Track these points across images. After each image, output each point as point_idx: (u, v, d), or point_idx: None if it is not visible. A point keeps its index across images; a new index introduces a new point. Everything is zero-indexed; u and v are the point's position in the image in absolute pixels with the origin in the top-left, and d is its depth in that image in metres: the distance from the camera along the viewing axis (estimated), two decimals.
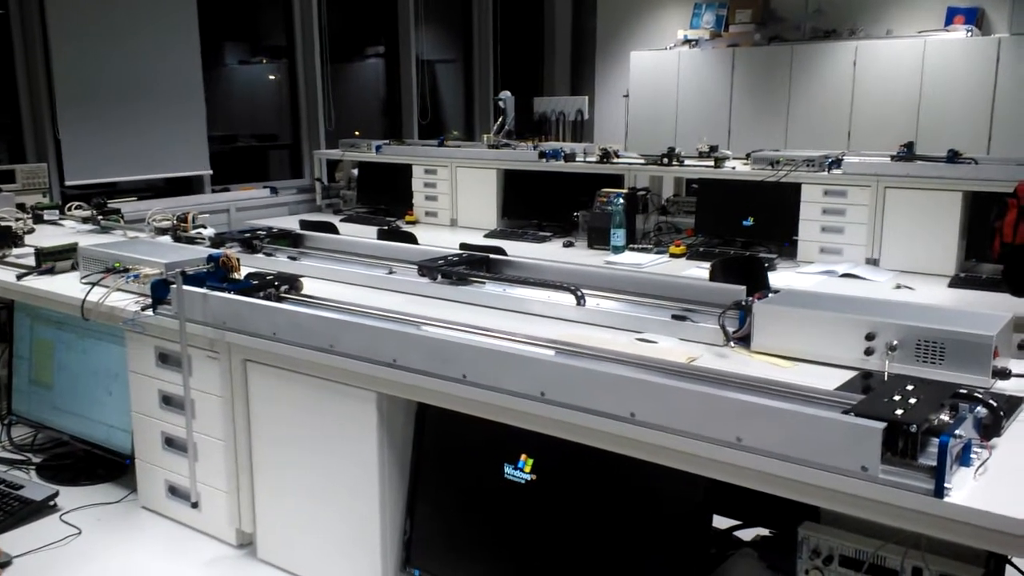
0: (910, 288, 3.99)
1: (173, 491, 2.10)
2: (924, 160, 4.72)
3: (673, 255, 4.77)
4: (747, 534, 1.71)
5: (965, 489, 1.10)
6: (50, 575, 1.88)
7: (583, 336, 1.75)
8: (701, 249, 4.83)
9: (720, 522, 1.66)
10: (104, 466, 2.33)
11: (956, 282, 4.07)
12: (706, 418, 1.26)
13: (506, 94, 6.53)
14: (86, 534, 2.04)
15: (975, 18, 7.54)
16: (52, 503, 2.16)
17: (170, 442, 2.08)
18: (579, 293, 2.00)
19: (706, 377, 1.47)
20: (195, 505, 2.02)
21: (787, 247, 4.74)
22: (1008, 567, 1.33)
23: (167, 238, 2.93)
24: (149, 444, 2.14)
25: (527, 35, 10.13)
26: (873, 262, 4.43)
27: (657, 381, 1.34)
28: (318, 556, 1.86)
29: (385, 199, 6.48)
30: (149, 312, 2.01)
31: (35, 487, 2.23)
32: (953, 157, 4.59)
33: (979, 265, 4.26)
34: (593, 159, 5.61)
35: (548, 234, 5.46)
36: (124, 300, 2.11)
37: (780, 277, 4.25)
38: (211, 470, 2.00)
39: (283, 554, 1.93)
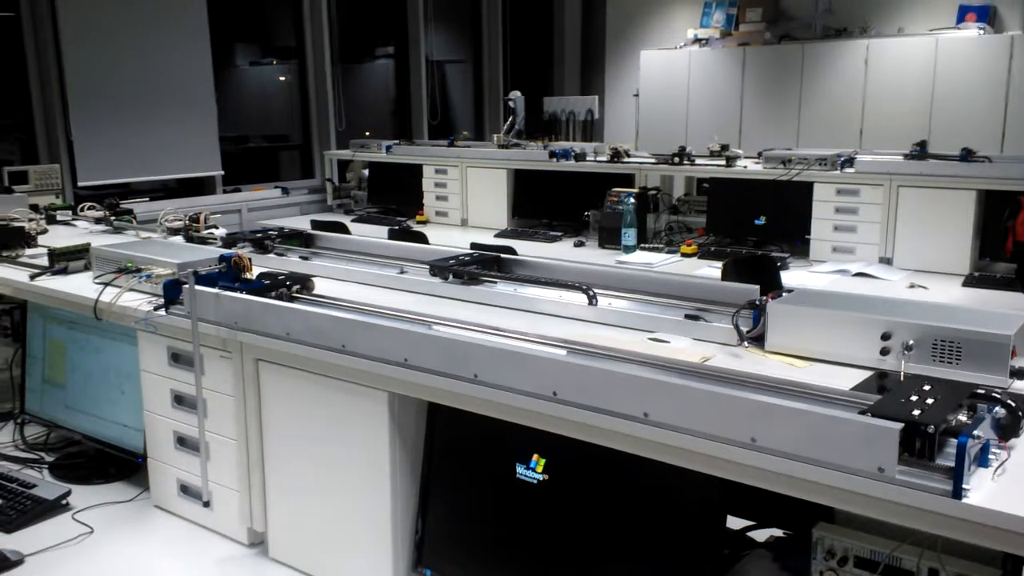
0: (924, 287, 3.96)
1: (185, 490, 2.11)
2: (937, 159, 4.68)
3: (684, 255, 4.75)
4: (760, 535, 1.70)
5: (983, 490, 1.09)
6: (62, 573, 1.88)
7: (595, 336, 1.74)
8: (712, 248, 4.81)
9: (733, 523, 1.65)
10: (116, 465, 2.34)
11: (970, 281, 4.04)
12: (720, 418, 1.25)
13: (516, 94, 6.53)
14: (98, 533, 2.05)
15: (987, 16, 7.48)
16: (65, 502, 2.17)
17: (182, 441, 2.09)
18: (591, 293, 1.99)
19: (720, 377, 1.46)
20: (207, 504, 2.02)
21: (799, 246, 4.72)
22: None
23: (179, 238, 2.94)
24: (161, 443, 2.14)
25: (536, 35, 10.12)
26: (886, 261, 4.40)
27: (671, 381, 1.34)
28: (330, 555, 1.86)
29: (396, 199, 6.48)
30: (161, 312, 2.01)
31: (48, 486, 2.24)
32: (967, 156, 4.55)
33: (993, 264, 4.23)
34: (604, 158, 5.60)
35: (559, 234, 5.44)
36: (136, 300, 2.11)
37: (792, 276, 4.23)
38: (223, 469, 2.00)
39: (295, 553, 1.93)
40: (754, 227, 4.90)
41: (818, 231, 4.63)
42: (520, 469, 1.62)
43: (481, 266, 2.28)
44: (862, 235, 4.48)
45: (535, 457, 1.61)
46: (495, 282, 2.22)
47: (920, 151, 4.95)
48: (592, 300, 1.98)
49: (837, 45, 7.96)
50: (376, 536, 1.76)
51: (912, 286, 3.99)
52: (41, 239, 2.99)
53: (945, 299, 3.73)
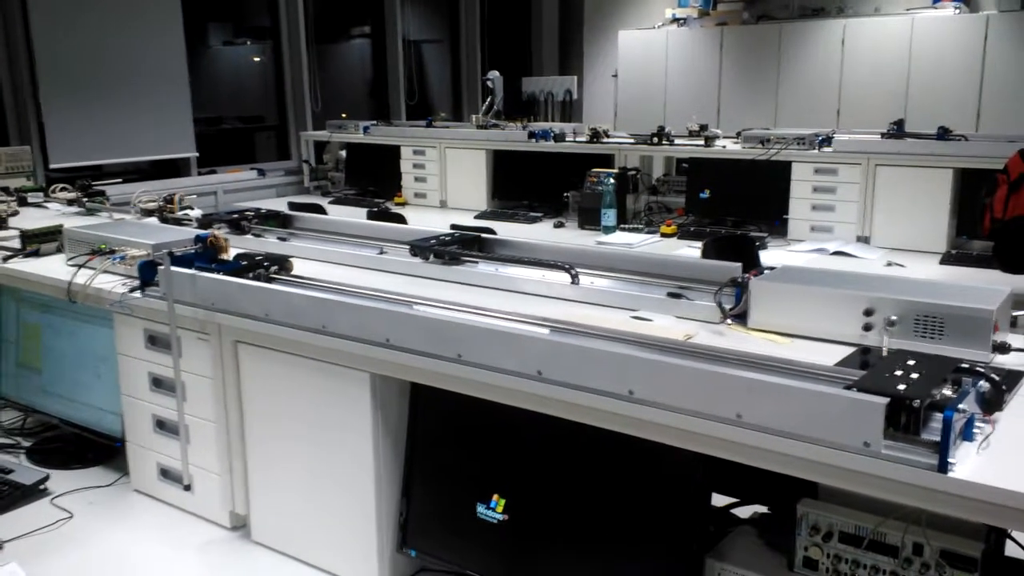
0: (901, 265, 3.99)
1: (165, 474, 2.09)
2: (914, 137, 4.71)
3: (664, 235, 4.75)
4: (744, 512, 1.70)
5: (968, 464, 1.09)
6: (42, 559, 1.86)
7: (578, 315, 1.74)
8: (692, 229, 4.81)
9: (717, 500, 1.65)
10: (95, 449, 2.31)
11: (947, 259, 4.08)
12: (706, 395, 1.24)
13: (495, 74, 6.49)
14: (78, 518, 2.02)
15: None
16: (43, 487, 2.14)
17: (161, 425, 2.06)
18: (573, 272, 1.98)
19: (705, 354, 1.46)
20: (188, 488, 2.00)
21: (778, 226, 4.73)
22: (1008, 541, 1.33)
23: (154, 220, 2.90)
24: (140, 427, 2.11)
25: (515, 14, 10.05)
26: (864, 240, 4.43)
27: (656, 359, 1.33)
28: (313, 538, 1.85)
29: (373, 181, 6.43)
30: (137, 294, 1.98)
31: (25, 471, 2.21)
32: (943, 134, 4.59)
33: (969, 242, 4.26)
34: (583, 139, 5.58)
35: (538, 215, 5.43)
36: (111, 282, 2.08)
37: (771, 256, 4.25)
38: (203, 452, 1.98)
39: (277, 536, 1.91)
40: (733, 207, 4.91)
41: (796, 210, 4.64)
42: (505, 447, 1.62)
43: (462, 246, 2.26)
44: (840, 214, 4.50)
45: (520, 435, 1.60)
46: (476, 262, 2.20)
47: (897, 130, 4.97)
48: (574, 279, 1.97)
49: (814, 25, 7.98)
50: (360, 518, 1.75)
51: (889, 264, 4.02)
52: (12, 221, 2.93)
53: (922, 277, 3.76)
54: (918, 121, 5.73)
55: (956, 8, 7.41)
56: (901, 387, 1.15)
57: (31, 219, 3.00)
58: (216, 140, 7.18)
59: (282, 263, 2.08)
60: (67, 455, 2.32)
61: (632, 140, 5.51)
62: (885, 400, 1.11)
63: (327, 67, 8.01)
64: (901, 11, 7.65)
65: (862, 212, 4.43)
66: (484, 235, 2.36)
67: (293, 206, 5.38)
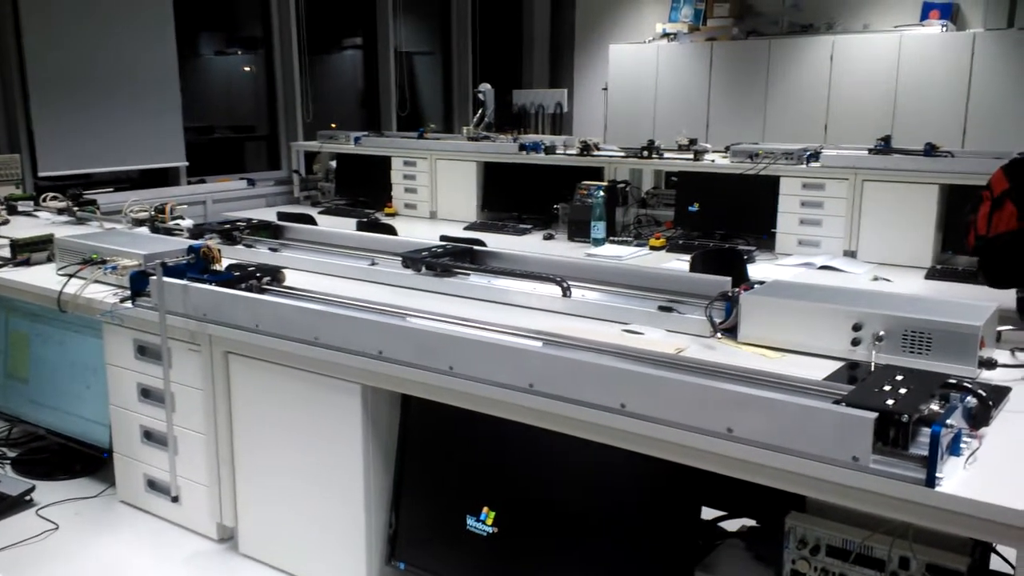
0: (887, 280, 4.01)
1: (152, 485, 2.08)
2: (901, 153, 4.75)
3: (653, 248, 4.77)
4: (731, 525, 1.71)
5: (956, 479, 1.10)
6: (27, 571, 1.85)
7: (569, 327, 1.74)
8: (680, 242, 4.83)
9: (705, 513, 1.65)
10: (81, 460, 2.30)
11: (932, 274, 4.10)
12: (697, 409, 1.25)
13: (486, 86, 6.51)
14: (63, 529, 2.01)
15: (950, 13, 7.60)
16: (28, 498, 2.13)
17: (149, 435, 2.06)
18: (565, 285, 1.99)
19: (696, 368, 1.47)
20: (175, 499, 1.99)
21: (765, 240, 4.76)
22: (993, 555, 1.34)
23: (144, 229, 2.89)
24: (127, 438, 2.11)
25: (506, 27, 10.10)
26: (851, 254, 4.45)
27: (647, 372, 1.34)
28: (301, 550, 1.84)
29: (364, 191, 6.43)
30: (128, 304, 1.98)
31: (10, 482, 2.19)
32: (930, 150, 4.63)
33: (955, 257, 4.30)
34: (573, 152, 5.60)
35: (528, 227, 5.44)
36: (102, 292, 2.07)
37: (759, 269, 4.27)
38: (191, 464, 1.97)
39: (265, 548, 1.90)
40: (721, 220, 4.94)
41: (784, 225, 4.67)
42: (494, 460, 1.62)
43: (454, 258, 2.27)
44: (827, 229, 4.53)
45: (509, 447, 1.60)
46: (468, 274, 2.21)
47: (884, 146, 5.01)
48: (566, 292, 1.98)
49: (803, 41, 8.05)
50: (349, 530, 1.75)
51: (875, 279, 4.04)
52: (2, 230, 2.93)
53: (908, 292, 3.78)
54: (905, 137, 5.78)
55: (943, 26, 7.50)
56: (890, 402, 1.16)
57: (21, 228, 2.99)
58: (206, 149, 7.16)
59: (274, 274, 2.08)
60: (53, 466, 2.31)
61: (622, 153, 5.53)
62: (874, 415, 1.12)
63: (318, 77, 8.01)
64: (889, 28, 7.73)
65: (849, 227, 4.46)
66: (476, 247, 2.37)
67: (283, 216, 5.38)
